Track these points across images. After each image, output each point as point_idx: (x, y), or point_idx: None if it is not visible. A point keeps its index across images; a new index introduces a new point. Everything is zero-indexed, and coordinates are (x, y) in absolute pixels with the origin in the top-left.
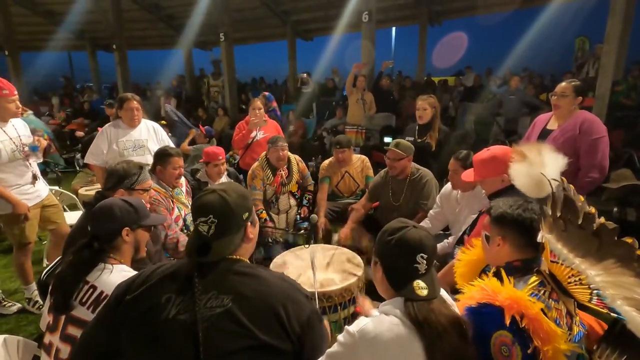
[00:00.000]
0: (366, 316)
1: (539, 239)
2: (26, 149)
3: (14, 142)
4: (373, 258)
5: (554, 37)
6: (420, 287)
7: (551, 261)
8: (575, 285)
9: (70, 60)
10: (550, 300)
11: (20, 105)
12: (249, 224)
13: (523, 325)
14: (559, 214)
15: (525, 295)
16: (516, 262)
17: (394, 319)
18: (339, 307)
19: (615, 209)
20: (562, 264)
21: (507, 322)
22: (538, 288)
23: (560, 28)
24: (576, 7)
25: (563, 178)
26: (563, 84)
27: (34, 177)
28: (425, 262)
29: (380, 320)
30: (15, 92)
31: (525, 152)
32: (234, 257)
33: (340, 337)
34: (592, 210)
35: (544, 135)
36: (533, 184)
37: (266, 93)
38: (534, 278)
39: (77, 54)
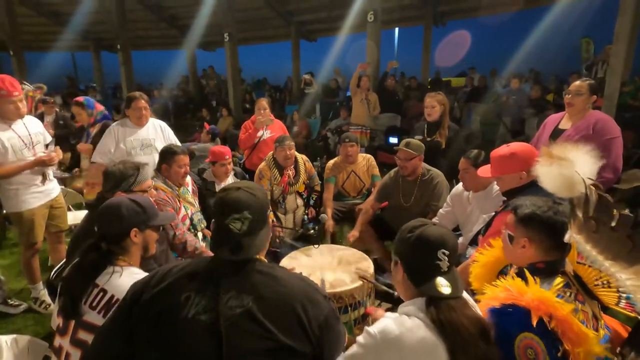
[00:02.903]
0: (379, 317)
1: (566, 239)
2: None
3: (22, 140)
4: (393, 258)
5: (558, 37)
6: (443, 284)
7: (577, 262)
8: (603, 287)
9: (74, 60)
10: (577, 302)
11: (21, 107)
12: (270, 220)
13: (552, 327)
14: (590, 214)
15: (552, 296)
16: (540, 263)
17: (415, 320)
18: (349, 308)
19: (626, 210)
20: (589, 266)
21: (534, 323)
22: (563, 289)
23: (564, 29)
24: (581, 8)
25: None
26: (578, 82)
27: (44, 177)
28: (447, 258)
29: (401, 321)
30: (16, 93)
31: (555, 152)
32: (255, 257)
33: (360, 338)
34: (626, 211)
35: (555, 135)
36: (565, 184)
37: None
38: (559, 279)
39: (80, 55)
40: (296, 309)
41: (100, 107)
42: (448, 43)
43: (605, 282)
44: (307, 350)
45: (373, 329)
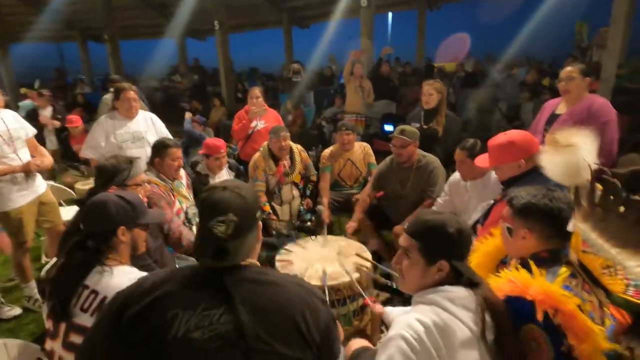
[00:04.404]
0: (379, 312)
1: (570, 228)
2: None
3: (1, 137)
4: (426, 259)
5: (554, 21)
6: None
7: (583, 251)
8: (610, 276)
9: (61, 51)
10: (583, 292)
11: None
12: (260, 223)
13: (557, 322)
14: (597, 202)
15: (558, 289)
16: (543, 252)
17: (440, 311)
18: (347, 300)
19: (623, 194)
20: (594, 254)
21: (540, 317)
22: (569, 279)
23: (560, 12)
24: None
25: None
26: (568, 68)
27: (26, 174)
28: None
29: (436, 311)
30: None
31: (560, 139)
32: (246, 261)
33: (392, 349)
34: (638, 198)
35: (552, 120)
36: (570, 171)
37: None
38: (563, 269)
39: (67, 45)
40: (295, 317)
41: None
42: (448, 46)
43: (612, 270)
44: (308, 358)
45: (401, 331)
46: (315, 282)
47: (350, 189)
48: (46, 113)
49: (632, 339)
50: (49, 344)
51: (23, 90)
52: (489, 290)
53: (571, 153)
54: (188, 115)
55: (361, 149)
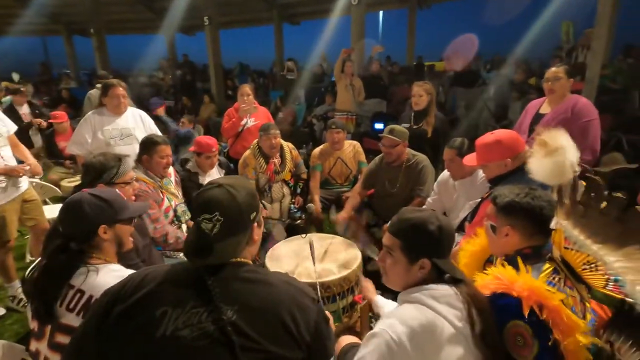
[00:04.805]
0: (369, 300)
1: (552, 225)
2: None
3: None
4: (408, 258)
5: (544, 20)
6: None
7: (565, 248)
8: (590, 271)
9: (45, 45)
10: (566, 287)
11: None
12: (255, 224)
13: (543, 317)
14: (578, 200)
15: (543, 285)
16: (526, 249)
17: (424, 309)
18: (337, 297)
19: (605, 193)
20: (576, 251)
21: (526, 313)
22: (552, 275)
23: (549, 12)
24: None
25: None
26: (553, 68)
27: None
28: None
29: (419, 310)
30: None
31: (549, 141)
32: (237, 260)
33: (371, 346)
34: (619, 195)
35: (536, 120)
36: (557, 172)
37: None
38: (547, 265)
39: (52, 39)
40: (283, 317)
41: None
42: (456, 49)
43: (592, 266)
44: (298, 357)
45: (393, 334)
46: (305, 279)
47: (340, 187)
48: (23, 110)
49: (612, 333)
50: (34, 345)
51: (4, 84)
52: (472, 286)
53: (559, 155)
54: (160, 111)
55: (351, 147)
